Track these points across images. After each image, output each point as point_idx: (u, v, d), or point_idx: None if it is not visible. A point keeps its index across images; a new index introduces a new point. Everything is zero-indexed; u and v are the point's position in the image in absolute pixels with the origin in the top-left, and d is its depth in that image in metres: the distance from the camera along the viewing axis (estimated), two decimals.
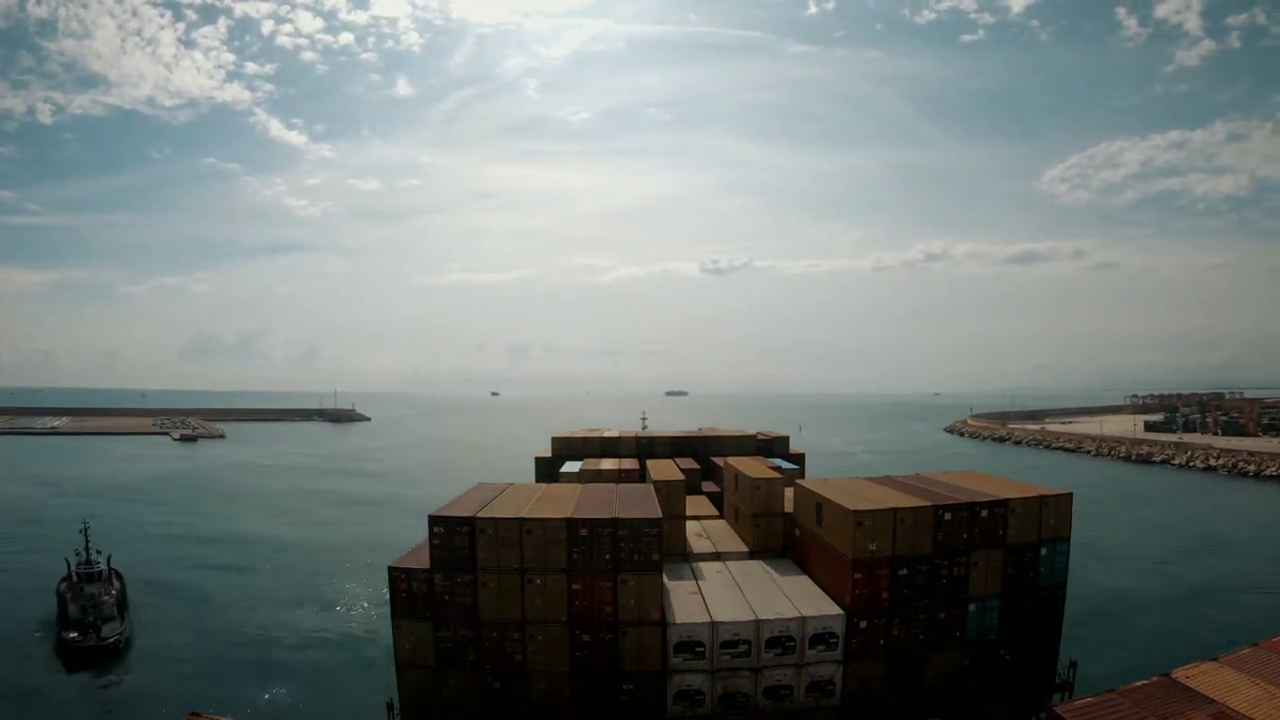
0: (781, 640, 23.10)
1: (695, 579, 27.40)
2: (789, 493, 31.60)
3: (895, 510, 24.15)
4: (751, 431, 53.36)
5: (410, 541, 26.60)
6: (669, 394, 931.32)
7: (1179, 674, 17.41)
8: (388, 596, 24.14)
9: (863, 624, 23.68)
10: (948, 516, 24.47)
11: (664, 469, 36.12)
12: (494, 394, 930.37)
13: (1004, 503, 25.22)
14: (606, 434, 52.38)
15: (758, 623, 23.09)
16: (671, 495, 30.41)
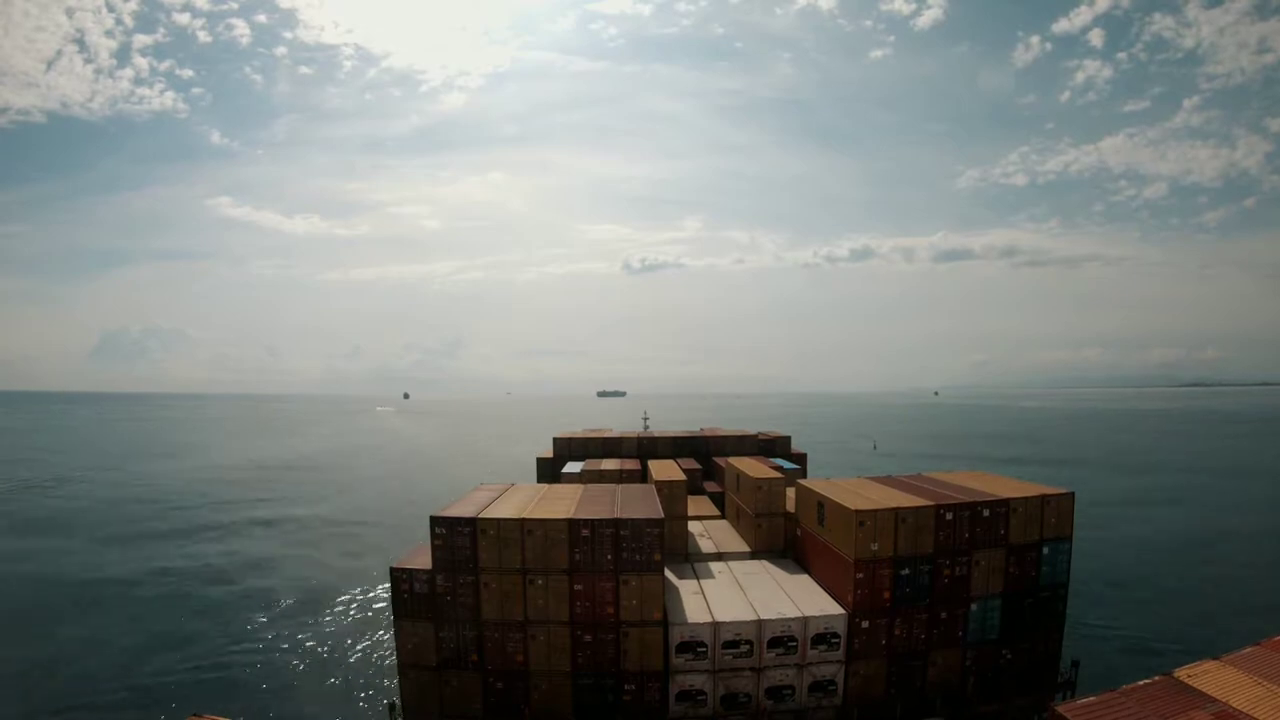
0: (783, 640, 23.13)
1: (697, 579, 27.43)
2: (790, 493, 31.62)
3: (897, 510, 24.15)
4: (753, 431, 53.46)
5: None
6: (601, 394, 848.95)
7: (1181, 673, 17.34)
8: (389, 597, 24.19)
9: (864, 624, 23.70)
10: (949, 516, 24.47)
11: (665, 469, 36.14)
12: (405, 396, 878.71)
13: (1005, 502, 25.21)
14: (608, 434, 52.51)
15: (759, 623, 23.12)
16: (673, 495, 30.46)
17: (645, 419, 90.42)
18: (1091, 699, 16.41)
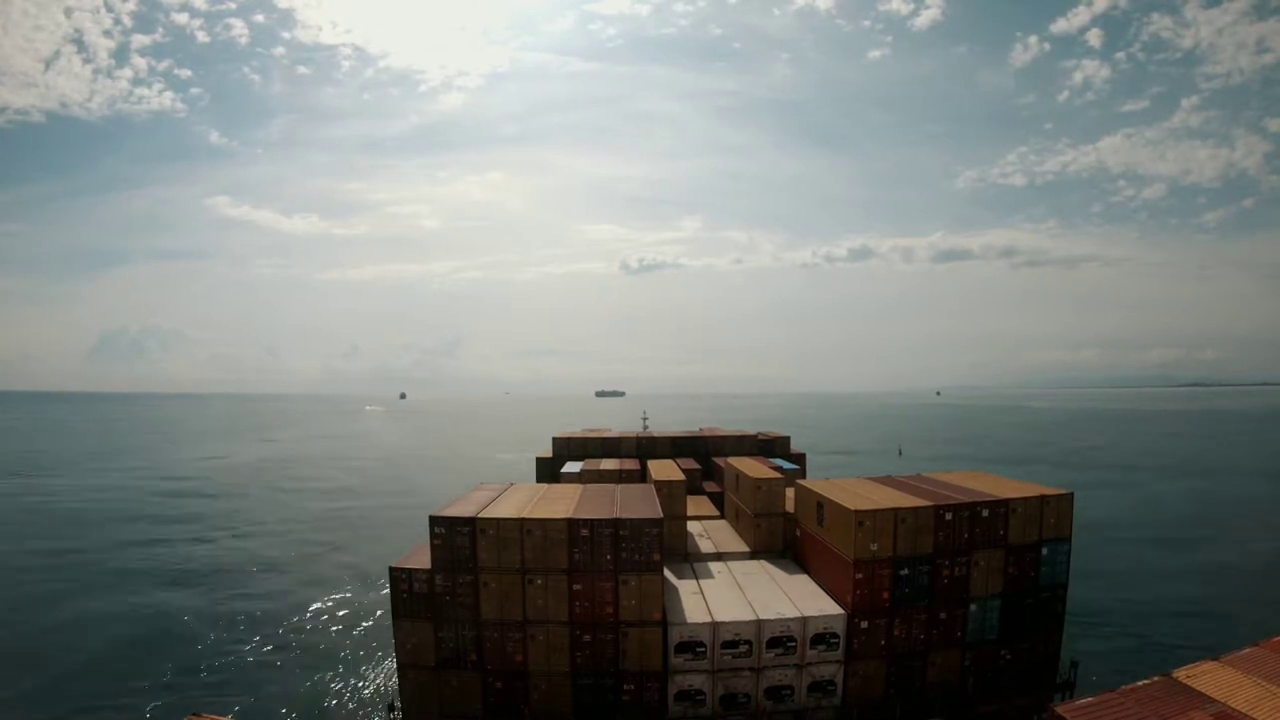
0: (782, 640, 23.10)
1: (696, 579, 27.41)
2: (790, 493, 31.59)
3: (896, 510, 24.13)
4: (753, 431, 53.45)
5: None
6: (600, 394, 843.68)
7: (1180, 674, 17.31)
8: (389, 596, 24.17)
9: (864, 624, 23.68)
10: (949, 516, 24.44)
11: (665, 469, 36.10)
12: (402, 396, 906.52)
13: (1005, 503, 25.18)
14: (607, 434, 52.49)
15: (759, 623, 23.10)
16: (672, 495, 30.43)
17: (644, 419, 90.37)
18: (1091, 699, 16.39)
